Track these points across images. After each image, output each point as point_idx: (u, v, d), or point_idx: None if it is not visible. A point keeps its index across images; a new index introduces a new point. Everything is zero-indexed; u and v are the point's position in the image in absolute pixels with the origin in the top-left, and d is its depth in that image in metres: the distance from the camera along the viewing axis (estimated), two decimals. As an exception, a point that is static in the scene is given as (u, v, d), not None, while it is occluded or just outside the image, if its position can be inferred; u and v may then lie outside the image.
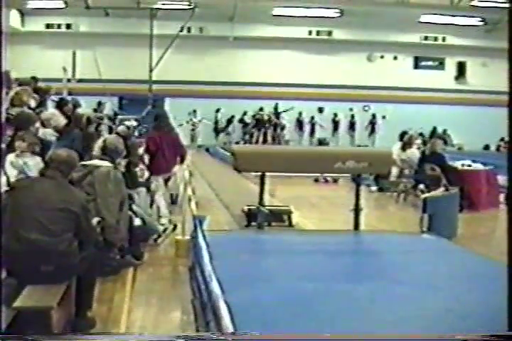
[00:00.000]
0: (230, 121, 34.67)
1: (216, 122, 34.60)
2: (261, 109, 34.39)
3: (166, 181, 12.91)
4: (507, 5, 28.27)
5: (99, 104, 20.65)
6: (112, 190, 7.20)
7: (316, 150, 14.51)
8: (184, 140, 27.65)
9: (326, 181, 18.47)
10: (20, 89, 11.08)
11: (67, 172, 5.98)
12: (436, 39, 34.67)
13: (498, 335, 3.90)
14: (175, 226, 9.37)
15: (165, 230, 9.40)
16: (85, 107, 14.10)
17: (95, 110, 14.40)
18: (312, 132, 35.04)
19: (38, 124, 9.68)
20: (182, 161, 11.62)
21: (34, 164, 7.55)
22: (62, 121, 11.12)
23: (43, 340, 4.17)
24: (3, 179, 6.59)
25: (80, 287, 5.81)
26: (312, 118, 34.91)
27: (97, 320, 5.90)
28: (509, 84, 4.58)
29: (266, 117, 34.31)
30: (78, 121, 10.91)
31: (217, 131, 34.62)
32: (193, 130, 32.87)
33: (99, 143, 8.27)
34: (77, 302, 5.82)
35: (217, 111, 34.25)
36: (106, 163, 7.56)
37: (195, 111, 32.84)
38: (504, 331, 3.89)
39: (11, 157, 7.53)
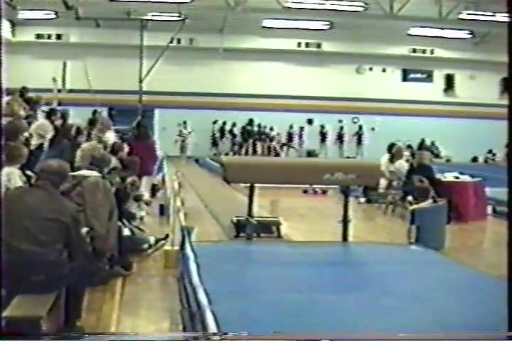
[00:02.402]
0: (222, 132, 34.78)
1: (213, 134, 34.75)
2: (251, 121, 34.48)
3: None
4: (495, 18, 28.59)
5: (94, 112, 20.51)
6: (101, 200, 7.21)
7: (305, 161, 14.56)
8: (174, 151, 27.71)
9: (315, 192, 18.49)
10: (11, 99, 11.10)
11: (59, 182, 5.99)
12: (424, 51, 34.87)
13: (498, 335, 3.94)
14: (167, 236, 9.38)
15: (157, 241, 9.40)
16: (74, 117, 14.07)
17: (91, 120, 14.36)
18: (300, 143, 35.14)
19: (26, 134, 9.68)
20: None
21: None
22: (51, 131, 11.16)
23: None
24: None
25: (69, 297, 5.82)
26: (301, 129, 35.02)
27: (86, 329, 5.90)
28: (509, 97, 4.63)
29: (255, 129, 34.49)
30: (67, 132, 10.94)
31: (215, 143, 34.73)
32: (183, 141, 32.85)
33: (78, 153, 8.25)
34: (66, 312, 5.82)
35: (215, 122, 34.41)
36: (94, 173, 7.58)
37: (185, 122, 32.79)
38: (504, 331, 3.92)
39: (17, 171, 7.35)
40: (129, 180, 9.88)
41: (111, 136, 13.50)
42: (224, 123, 34.69)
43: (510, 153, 4.14)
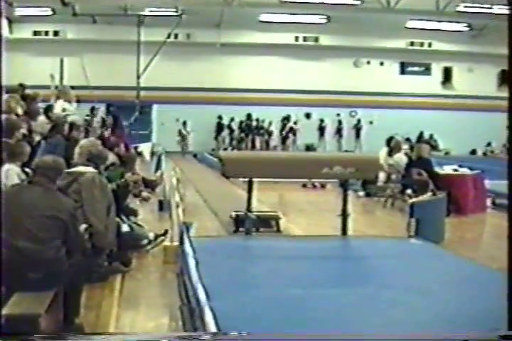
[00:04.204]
0: (220, 127, 34.70)
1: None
2: (249, 115, 34.46)
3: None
4: (492, 10, 28.55)
5: (92, 109, 20.47)
6: (98, 196, 7.19)
7: (304, 155, 14.53)
8: (172, 147, 27.64)
9: (314, 186, 18.49)
10: (8, 97, 11.06)
11: (54, 178, 5.98)
12: (422, 44, 34.86)
13: (498, 335, 3.92)
14: (166, 232, 9.36)
15: (156, 237, 9.39)
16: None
17: (87, 116, 14.42)
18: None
19: (22, 131, 9.66)
20: None
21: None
22: (48, 127, 11.14)
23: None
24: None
25: (68, 294, 5.80)
26: (295, 123, 34.97)
27: (85, 326, 5.89)
28: (509, 90, 4.60)
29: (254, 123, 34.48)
30: (59, 127, 10.91)
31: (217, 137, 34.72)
32: (182, 141, 32.36)
33: (76, 149, 8.23)
34: (64, 309, 5.81)
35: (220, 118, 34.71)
36: (90, 169, 7.55)
37: (184, 122, 32.46)
38: (504, 331, 3.90)
39: (15, 169, 7.34)
40: (133, 178, 9.86)
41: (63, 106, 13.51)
42: (220, 117, 34.60)
43: (510, 146, 4.12)
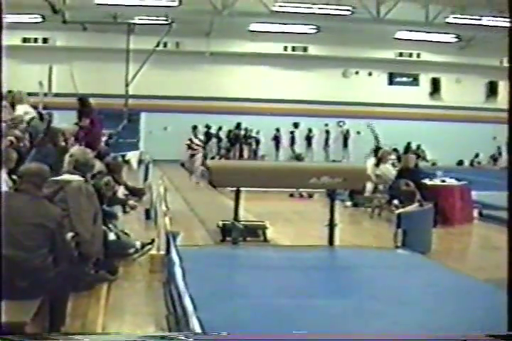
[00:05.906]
0: (208, 136, 34.56)
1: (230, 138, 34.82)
2: (238, 125, 34.46)
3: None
4: (481, 22, 28.71)
5: (80, 115, 20.28)
6: (85, 204, 7.16)
7: (291, 165, 14.54)
8: (160, 155, 27.55)
9: (301, 196, 18.48)
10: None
11: (40, 184, 5.95)
12: (410, 55, 34.99)
13: (498, 335, 3.94)
14: (153, 241, 9.33)
15: (143, 246, 9.35)
16: (61, 121, 13.97)
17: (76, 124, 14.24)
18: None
19: (10, 138, 9.64)
20: None
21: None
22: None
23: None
24: None
25: (54, 302, 5.77)
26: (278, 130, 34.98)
27: (71, 335, 5.86)
28: (509, 101, 4.63)
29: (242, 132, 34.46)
30: (53, 135, 10.83)
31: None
32: (192, 156, 23.32)
33: (66, 157, 8.20)
34: (50, 318, 5.78)
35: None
36: (76, 177, 7.52)
37: (195, 127, 27.39)
38: (504, 331, 3.92)
39: (2, 175, 7.34)
40: (105, 179, 9.78)
41: (21, 109, 13.12)
42: (208, 127, 34.46)
43: (510, 157, 4.13)
